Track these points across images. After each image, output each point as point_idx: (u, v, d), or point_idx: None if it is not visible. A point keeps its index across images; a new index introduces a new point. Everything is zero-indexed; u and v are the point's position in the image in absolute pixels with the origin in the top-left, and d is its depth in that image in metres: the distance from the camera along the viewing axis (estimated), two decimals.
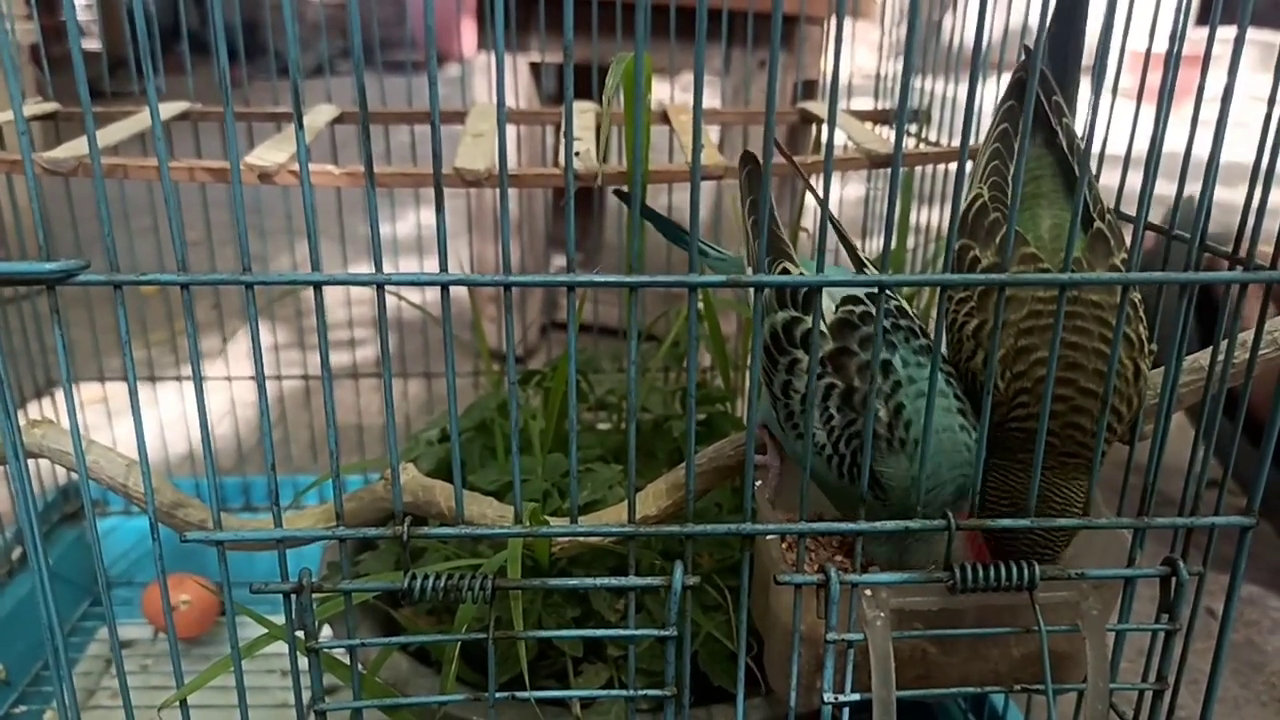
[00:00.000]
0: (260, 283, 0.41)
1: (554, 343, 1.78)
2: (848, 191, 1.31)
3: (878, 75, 1.05)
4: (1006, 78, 0.61)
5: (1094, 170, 0.56)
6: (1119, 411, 0.51)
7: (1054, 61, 0.57)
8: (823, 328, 0.52)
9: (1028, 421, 0.51)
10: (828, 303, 0.54)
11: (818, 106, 1.00)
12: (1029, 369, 0.51)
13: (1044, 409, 0.45)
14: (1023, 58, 0.60)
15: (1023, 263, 0.52)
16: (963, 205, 0.56)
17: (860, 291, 0.53)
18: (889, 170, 0.91)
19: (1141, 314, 0.52)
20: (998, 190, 0.56)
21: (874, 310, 0.52)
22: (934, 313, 0.92)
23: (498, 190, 0.91)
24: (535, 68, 1.68)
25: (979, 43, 0.40)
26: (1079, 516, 0.50)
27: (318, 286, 0.41)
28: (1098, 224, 0.53)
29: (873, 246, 1.14)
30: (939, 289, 0.43)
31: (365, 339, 1.82)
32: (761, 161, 0.60)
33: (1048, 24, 0.54)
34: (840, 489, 0.54)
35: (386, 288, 0.42)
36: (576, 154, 0.71)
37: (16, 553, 1.05)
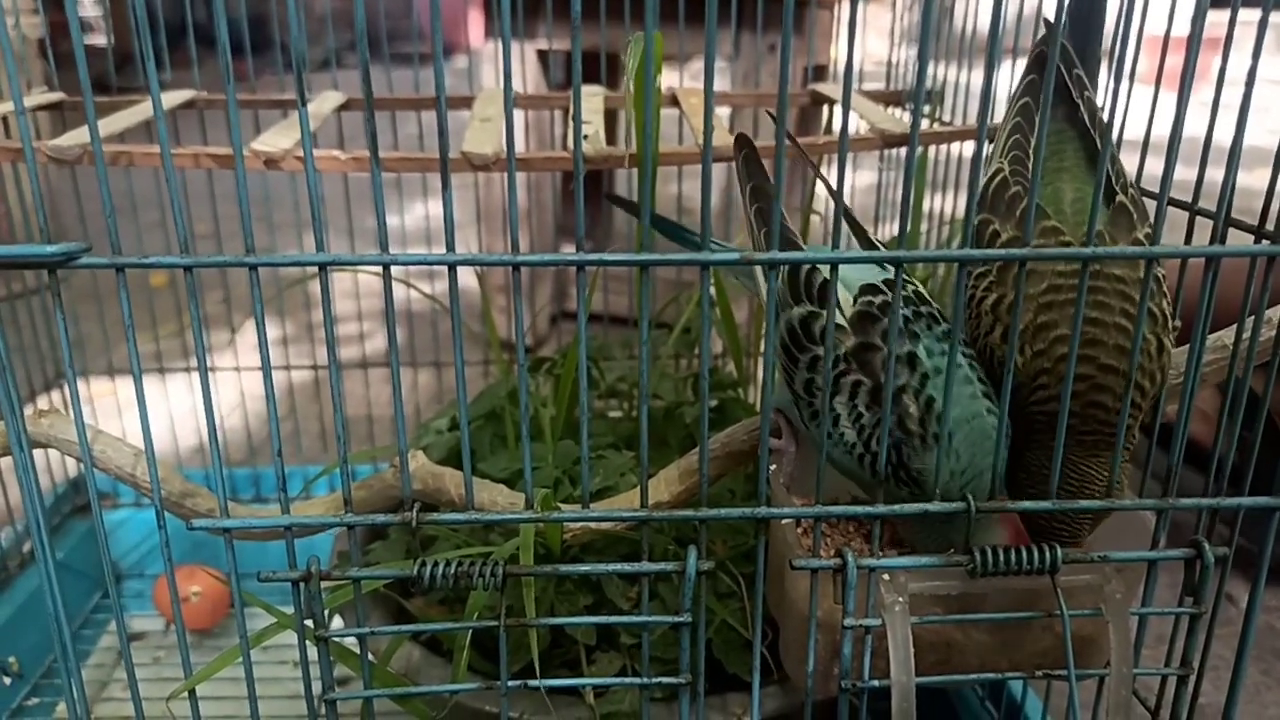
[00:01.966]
0: (264, 264, 0.40)
1: (563, 332, 1.77)
2: (859, 178, 1.30)
3: (889, 61, 1.04)
4: (1021, 62, 0.60)
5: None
6: (1142, 387, 0.50)
7: (1074, 36, 0.56)
8: (842, 321, 0.51)
9: (1049, 404, 0.50)
10: (844, 294, 0.52)
11: (829, 88, 0.99)
12: (1049, 347, 0.50)
13: (1066, 388, 0.44)
14: (1041, 35, 0.59)
15: (1043, 236, 0.52)
16: (982, 181, 0.55)
17: (878, 280, 0.52)
18: (901, 152, 0.91)
19: (1165, 289, 0.51)
20: (1019, 165, 0.55)
21: (892, 298, 0.51)
22: (950, 292, 0.91)
23: (505, 179, 0.90)
24: (543, 55, 1.67)
25: (996, 19, 0.39)
26: (1100, 495, 0.49)
27: (323, 267, 0.41)
28: (1120, 197, 0.52)
29: (885, 232, 1.13)
30: (958, 266, 0.42)
31: (374, 331, 1.82)
32: (757, 142, 0.59)
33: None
34: (875, 486, 0.52)
35: (395, 276, 0.41)
36: (585, 136, 0.70)
37: (27, 545, 1.05)
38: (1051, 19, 0.57)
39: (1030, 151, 0.55)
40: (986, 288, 0.53)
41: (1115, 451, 0.48)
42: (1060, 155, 0.55)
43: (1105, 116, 0.50)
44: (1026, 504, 0.47)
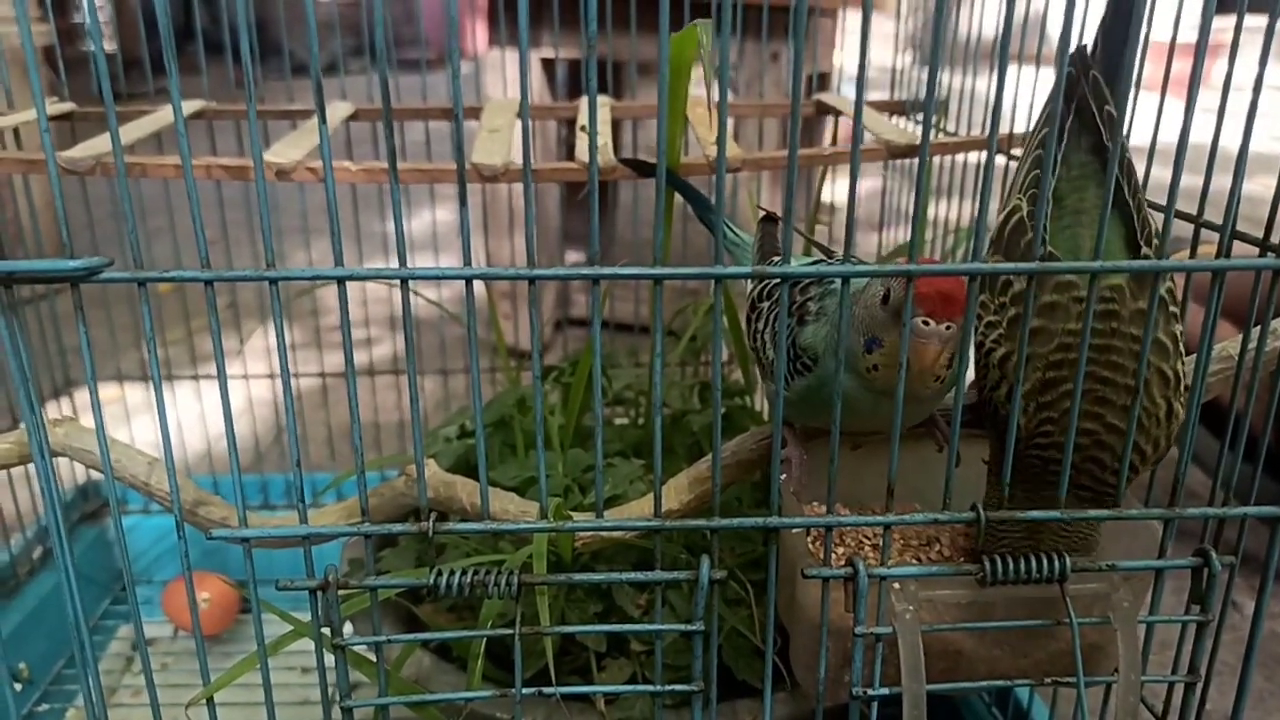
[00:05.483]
0: (284, 279, 0.41)
1: (567, 339, 1.77)
2: (862, 185, 1.30)
3: (893, 68, 1.05)
4: (1026, 69, 0.60)
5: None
6: (1143, 451, 0.49)
7: (1107, 56, 0.53)
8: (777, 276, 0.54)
9: (1048, 450, 0.49)
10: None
11: (833, 98, 0.99)
12: (1056, 400, 0.48)
13: (1070, 431, 0.44)
14: (1072, 51, 0.58)
15: (1058, 291, 0.49)
16: (1000, 215, 0.54)
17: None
18: (906, 161, 0.91)
19: (1181, 349, 0.49)
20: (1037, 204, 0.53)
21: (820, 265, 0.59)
22: None
23: (512, 187, 0.90)
24: (547, 64, 1.68)
25: (1008, 22, 0.40)
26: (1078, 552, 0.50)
27: (341, 282, 0.41)
28: (1145, 250, 0.50)
29: (890, 239, 1.13)
30: (968, 279, 0.42)
31: (379, 337, 1.82)
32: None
33: (1103, 17, 0.53)
34: (797, 397, 0.56)
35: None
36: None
37: (37, 552, 1.06)
38: (1061, 27, 0.57)
39: (1050, 189, 0.51)
40: (995, 339, 0.51)
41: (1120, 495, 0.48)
42: (1080, 194, 0.52)
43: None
44: (1035, 513, 0.47)
